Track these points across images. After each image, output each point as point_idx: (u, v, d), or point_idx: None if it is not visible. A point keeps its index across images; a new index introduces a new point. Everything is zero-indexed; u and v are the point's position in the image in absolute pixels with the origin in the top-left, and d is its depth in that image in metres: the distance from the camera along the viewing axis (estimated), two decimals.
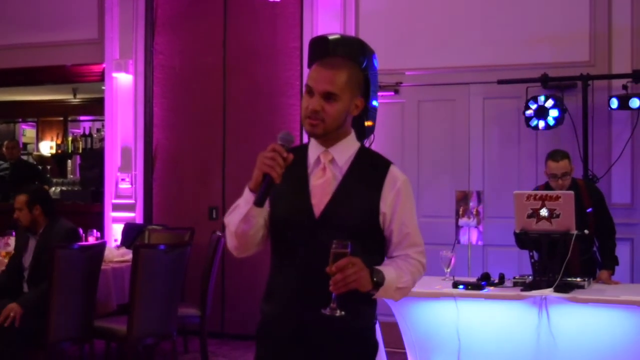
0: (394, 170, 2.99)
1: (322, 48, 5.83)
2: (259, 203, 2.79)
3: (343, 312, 2.76)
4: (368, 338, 3.01)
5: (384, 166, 3.00)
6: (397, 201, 2.94)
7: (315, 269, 2.76)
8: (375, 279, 2.81)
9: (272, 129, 8.16)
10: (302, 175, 2.95)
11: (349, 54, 5.49)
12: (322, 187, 2.92)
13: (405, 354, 5.72)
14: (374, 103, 5.94)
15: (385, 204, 2.92)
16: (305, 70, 6.65)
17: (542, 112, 7.06)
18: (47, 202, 6.40)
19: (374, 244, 2.96)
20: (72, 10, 9.36)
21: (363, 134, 5.88)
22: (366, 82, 5.71)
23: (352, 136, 3.02)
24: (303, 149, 3.03)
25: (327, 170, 2.94)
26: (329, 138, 2.94)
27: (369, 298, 2.89)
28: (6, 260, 6.54)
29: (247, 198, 2.84)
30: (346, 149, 2.97)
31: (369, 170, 2.97)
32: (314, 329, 2.88)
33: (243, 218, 2.86)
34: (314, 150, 2.98)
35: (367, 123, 5.76)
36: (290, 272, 2.91)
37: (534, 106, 7.09)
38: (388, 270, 2.88)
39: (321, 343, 2.90)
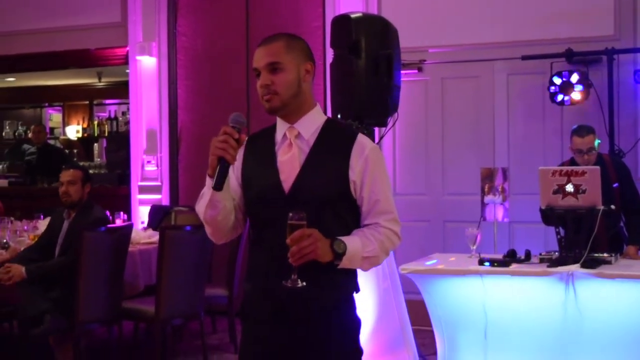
0: (361, 139, 2.99)
1: (345, 27, 5.82)
2: (217, 187, 2.81)
3: (304, 283, 2.79)
4: (345, 312, 3.01)
5: (351, 135, 3.00)
6: (365, 169, 2.93)
7: (287, 244, 2.77)
8: (335, 249, 2.82)
9: None
10: (270, 153, 2.97)
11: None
12: (289, 162, 2.93)
13: (432, 331, 5.72)
14: (397, 81, 5.92)
15: (354, 172, 2.92)
16: (329, 50, 6.62)
17: (566, 88, 7.01)
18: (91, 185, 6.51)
19: (348, 214, 2.96)
20: None
21: (387, 111, 5.87)
22: (389, 59, 5.72)
23: (317, 109, 3.04)
24: (270, 129, 3.06)
25: (293, 145, 2.95)
26: (290, 112, 2.96)
27: (337, 269, 2.88)
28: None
29: (208, 185, 2.87)
30: (311, 123, 2.99)
31: (336, 141, 2.97)
32: (290, 305, 2.89)
33: (208, 204, 2.91)
34: (281, 128, 3.01)
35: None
36: (263, 249, 2.94)
37: (558, 82, 7.04)
38: (352, 239, 2.89)
39: (298, 318, 2.91)
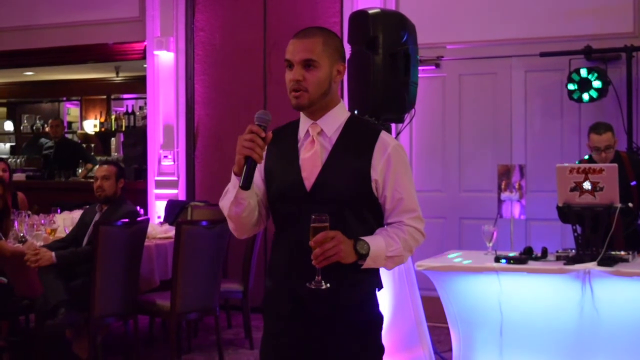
0: (384, 136, 2.96)
1: (362, 23, 5.81)
2: (244, 186, 2.81)
3: (329, 285, 2.78)
4: (367, 309, 3.00)
5: (374, 133, 2.97)
6: (388, 167, 2.92)
7: (308, 242, 2.77)
8: (358, 250, 2.81)
9: None
10: (293, 150, 2.97)
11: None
12: (311, 159, 2.92)
13: (447, 328, 5.71)
14: (415, 77, 5.91)
15: (376, 171, 2.91)
16: (346, 46, 6.60)
17: (585, 85, 6.98)
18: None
19: (370, 213, 2.95)
20: None
21: (404, 108, 5.86)
22: (406, 55, 5.70)
23: (341, 106, 3.02)
24: (294, 125, 3.05)
25: (315, 142, 2.94)
26: (315, 109, 2.94)
27: (362, 268, 2.88)
28: (51, 238, 6.61)
29: (234, 182, 2.88)
30: (334, 120, 2.97)
31: (358, 139, 2.95)
32: (311, 303, 2.89)
33: (233, 201, 2.90)
34: (304, 124, 3.00)
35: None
36: (285, 246, 2.94)
37: (577, 79, 7.00)
38: (376, 239, 2.88)
39: (319, 317, 2.91)
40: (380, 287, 3.06)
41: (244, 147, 2.76)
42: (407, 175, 2.99)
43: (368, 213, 2.94)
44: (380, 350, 3.05)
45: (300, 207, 2.85)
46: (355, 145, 2.93)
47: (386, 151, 2.92)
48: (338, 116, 2.98)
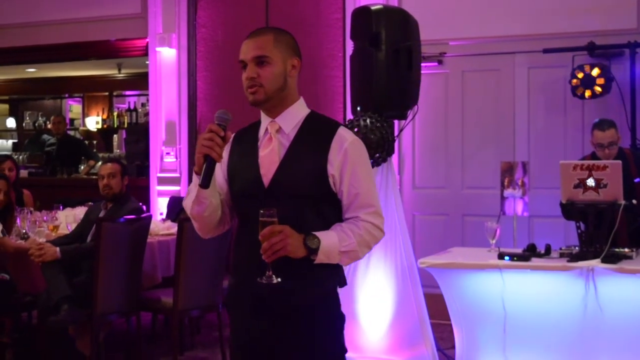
0: (342, 132, 2.97)
1: (365, 19, 5.80)
2: (203, 185, 2.83)
3: (279, 279, 2.79)
4: (327, 307, 3.00)
5: (331, 128, 2.98)
6: (344, 162, 2.91)
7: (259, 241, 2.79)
8: (308, 245, 2.81)
9: (315, 100, 8.16)
10: (253, 148, 2.99)
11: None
12: (268, 157, 2.95)
13: (450, 325, 5.70)
14: (417, 74, 5.89)
15: (333, 166, 2.91)
16: (348, 42, 6.61)
17: (588, 81, 6.96)
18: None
19: (330, 210, 2.95)
20: None
21: (407, 104, 5.85)
22: (409, 52, 5.69)
23: (300, 103, 3.04)
24: (257, 123, 3.07)
25: (273, 139, 2.96)
26: (273, 106, 2.97)
27: (318, 264, 2.87)
28: (54, 234, 6.61)
29: (195, 181, 2.90)
30: (293, 117, 2.99)
31: (316, 135, 2.96)
32: (270, 300, 2.91)
33: (195, 200, 2.93)
34: (264, 122, 3.02)
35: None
36: (246, 244, 2.94)
37: (580, 75, 6.99)
38: (328, 235, 2.87)
39: (279, 313, 2.92)
40: (342, 284, 3.06)
41: (203, 145, 2.79)
42: (365, 171, 2.98)
43: (328, 209, 2.94)
44: (342, 349, 3.05)
45: (259, 204, 2.83)
46: (312, 141, 2.94)
47: (343, 146, 2.92)
48: (297, 113, 3.01)
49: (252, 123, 3.09)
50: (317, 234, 2.84)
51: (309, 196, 2.89)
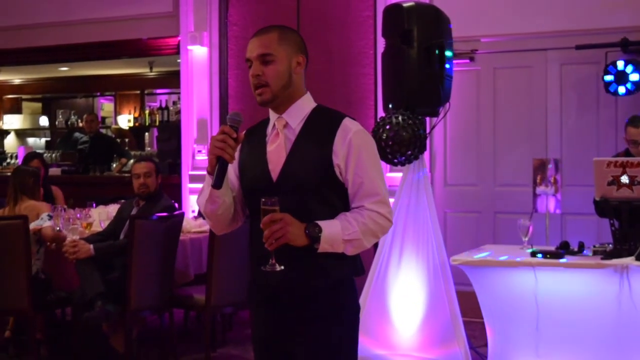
0: (347, 122, 3.00)
1: (397, 16, 5.79)
2: (216, 185, 2.89)
3: (282, 267, 2.85)
4: (339, 297, 3.02)
5: (336, 120, 3.02)
6: (349, 152, 2.95)
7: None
8: (309, 233, 2.85)
9: (346, 98, 8.16)
10: (261, 145, 3.05)
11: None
12: (276, 151, 3.00)
13: (483, 323, 5.68)
14: (449, 71, 5.88)
15: (338, 157, 2.94)
16: (380, 40, 6.59)
17: (621, 77, 6.91)
18: None
19: (338, 200, 2.98)
20: None
21: (439, 101, 5.84)
22: (441, 49, 5.68)
23: (307, 97, 3.08)
24: (266, 121, 3.12)
25: (279, 135, 3.01)
26: (280, 103, 3.02)
27: (327, 253, 2.90)
28: (87, 232, 6.66)
29: (207, 181, 2.95)
30: (299, 111, 3.04)
31: (321, 127, 3.01)
32: (280, 291, 2.98)
33: (208, 200, 2.99)
34: (272, 119, 3.07)
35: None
36: (258, 237, 2.94)
37: (613, 71, 6.93)
38: (331, 223, 2.90)
39: (290, 303, 2.98)
40: (359, 273, 3.07)
41: (216, 147, 2.84)
42: (371, 160, 3.00)
43: (336, 200, 2.97)
44: (351, 341, 3.07)
45: None
46: (318, 134, 2.99)
47: (347, 136, 2.96)
48: (303, 107, 3.05)
49: (262, 120, 3.15)
50: (320, 223, 2.88)
51: (316, 188, 2.93)
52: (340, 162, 2.94)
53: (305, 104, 3.06)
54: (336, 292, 3.01)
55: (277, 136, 3.02)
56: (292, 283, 2.95)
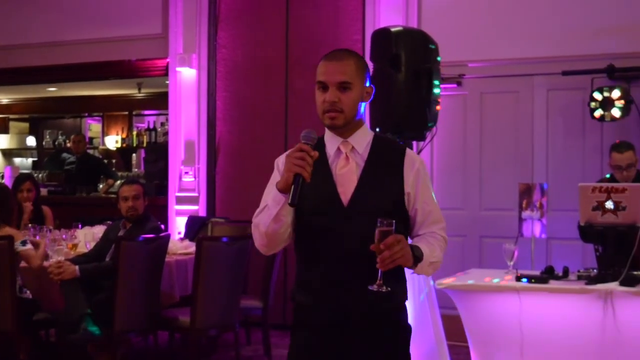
0: (410, 152, 3.13)
1: (385, 41, 5.82)
2: (293, 203, 2.87)
3: (389, 288, 2.89)
4: (401, 319, 3.13)
5: (401, 149, 3.15)
6: (417, 181, 3.09)
7: (349, 254, 2.94)
8: (415, 254, 2.92)
9: None
10: (324, 166, 3.05)
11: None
12: (347, 175, 3.04)
13: (467, 347, 5.68)
14: (436, 95, 5.91)
15: (408, 185, 3.06)
16: (369, 63, 6.62)
17: (607, 104, 6.95)
18: None
19: (401, 226, 3.02)
20: (137, 5, 9.50)
21: (426, 125, 5.86)
22: (429, 73, 5.71)
23: (366, 125, 3.16)
24: (319, 141, 3.11)
25: (349, 159, 3.06)
26: (348, 129, 3.07)
27: (401, 276, 3.04)
28: (72, 253, 6.63)
29: (276, 199, 2.95)
30: (363, 137, 3.11)
31: (387, 155, 3.11)
32: (352, 313, 3.00)
33: (274, 218, 2.97)
34: (332, 141, 3.11)
35: (433, 111, 5.76)
36: (323, 260, 3.00)
37: (599, 97, 6.98)
38: (421, 246, 3.00)
39: (358, 327, 3.01)
40: (407, 297, 3.18)
41: (295, 165, 2.85)
42: (431, 189, 3.17)
43: (400, 226, 2.99)
44: (410, 358, 3.16)
45: (337, 222, 2.97)
46: (385, 161, 3.08)
47: (414, 166, 3.09)
48: (366, 134, 3.13)
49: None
50: (415, 244, 2.99)
51: (385, 213, 2.94)
52: (410, 190, 3.07)
53: (367, 131, 3.16)
54: (399, 313, 3.12)
55: (347, 160, 3.06)
56: (366, 306, 2.99)
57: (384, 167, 3.06)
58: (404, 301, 3.15)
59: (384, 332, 3.04)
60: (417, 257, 2.93)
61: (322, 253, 3.00)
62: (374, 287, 2.87)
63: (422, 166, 3.12)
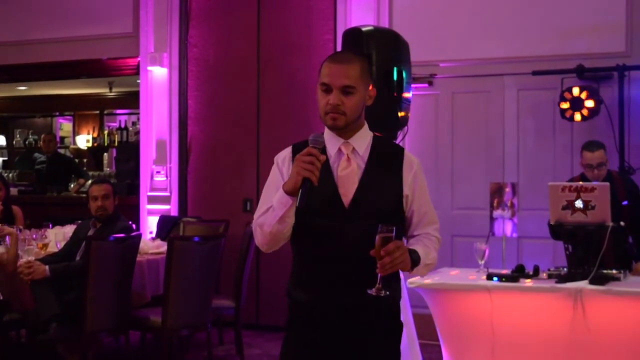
0: (408, 154, 3.19)
1: (356, 40, 5.82)
2: (302, 206, 2.90)
3: (388, 292, 2.94)
4: (396, 316, 3.19)
5: (399, 151, 3.20)
6: (415, 183, 3.14)
7: (349, 254, 2.98)
8: (413, 258, 2.98)
9: (306, 121, 8.18)
10: (326, 167, 3.04)
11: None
12: (348, 176, 3.07)
13: (439, 345, 5.70)
14: (408, 95, 5.92)
15: (406, 186, 3.11)
16: None
17: (577, 104, 7.00)
18: None
19: (399, 227, 3.07)
20: (108, 4, 9.44)
21: (397, 125, 5.87)
22: (400, 73, 5.72)
23: (367, 126, 3.18)
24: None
25: (351, 160, 3.08)
26: (348, 130, 3.08)
27: (396, 275, 3.09)
28: (43, 252, 6.59)
29: (282, 201, 2.96)
30: (363, 139, 3.14)
31: (386, 157, 3.15)
32: (350, 311, 3.04)
33: (280, 219, 2.99)
34: (333, 142, 3.11)
35: (400, 114, 5.75)
36: (323, 260, 3.04)
37: (569, 97, 7.02)
38: (418, 249, 3.05)
39: (356, 323, 3.06)
40: (401, 296, 3.25)
41: (304, 168, 2.87)
42: (427, 191, 3.21)
43: (397, 227, 3.02)
44: (400, 355, 3.23)
45: (338, 222, 3.00)
46: (385, 163, 3.12)
47: (412, 168, 3.15)
48: (366, 136, 3.16)
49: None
50: (412, 248, 3.04)
51: (385, 214, 3.00)
52: (408, 192, 3.12)
53: (367, 133, 3.17)
54: (394, 311, 3.18)
55: (348, 161, 3.08)
56: (365, 304, 3.01)
57: (384, 168, 3.10)
58: (399, 299, 3.20)
59: (379, 328, 3.10)
60: (414, 261, 2.99)
61: (321, 253, 3.04)
62: (373, 292, 2.92)
63: (419, 168, 3.17)
